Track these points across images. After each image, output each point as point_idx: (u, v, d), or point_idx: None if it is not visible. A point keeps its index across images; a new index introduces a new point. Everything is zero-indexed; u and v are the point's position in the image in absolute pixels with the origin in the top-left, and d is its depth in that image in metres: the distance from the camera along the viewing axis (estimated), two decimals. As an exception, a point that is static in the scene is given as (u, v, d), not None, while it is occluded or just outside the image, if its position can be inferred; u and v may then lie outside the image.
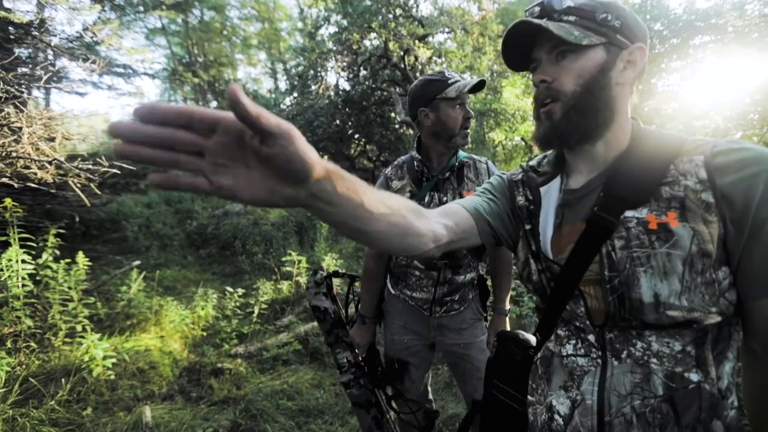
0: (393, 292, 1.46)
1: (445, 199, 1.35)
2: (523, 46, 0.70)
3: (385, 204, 0.55)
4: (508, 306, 1.47)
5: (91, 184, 3.07)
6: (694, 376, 0.59)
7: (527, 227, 0.76)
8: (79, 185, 3.04)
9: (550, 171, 0.77)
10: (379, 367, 1.47)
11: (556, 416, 0.68)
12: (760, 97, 4.58)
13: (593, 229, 0.64)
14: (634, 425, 0.61)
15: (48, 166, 2.86)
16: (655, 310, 0.59)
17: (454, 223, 0.71)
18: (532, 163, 0.82)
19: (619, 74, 0.65)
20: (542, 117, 0.68)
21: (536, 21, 0.64)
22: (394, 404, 1.47)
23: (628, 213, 0.62)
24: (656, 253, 0.59)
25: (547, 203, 0.74)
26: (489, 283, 1.48)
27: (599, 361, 0.65)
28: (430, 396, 1.66)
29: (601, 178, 0.68)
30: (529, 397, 0.76)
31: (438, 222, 0.68)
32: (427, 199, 1.35)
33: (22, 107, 2.80)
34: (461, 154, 1.40)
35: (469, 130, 1.33)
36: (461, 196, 1.30)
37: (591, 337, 0.66)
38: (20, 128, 2.69)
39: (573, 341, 0.69)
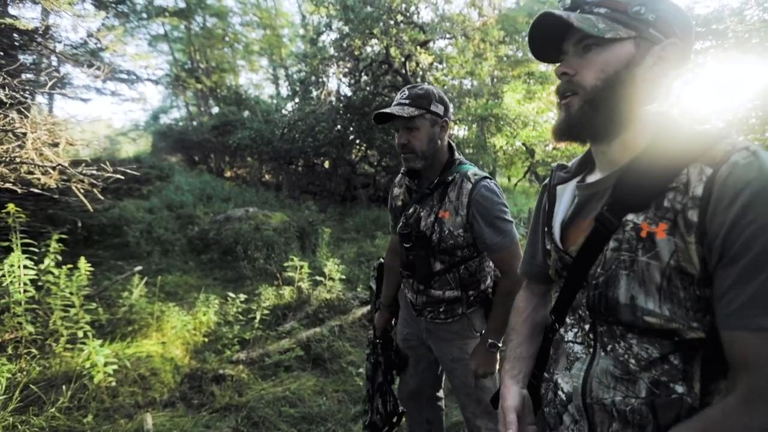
0: (402, 286, 1.54)
1: (422, 213, 1.32)
2: (554, 37, 0.69)
3: (534, 345, 0.86)
4: (496, 341, 1.27)
5: (94, 190, 3.07)
6: (680, 389, 0.60)
7: (546, 228, 0.81)
8: (82, 190, 3.04)
9: (574, 170, 0.80)
10: (391, 352, 1.63)
11: (560, 393, 0.73)
12: (760, 102, 4.59)
13: (599, 227, 0.66)
14: (615, 419, 0.64)
15: (52, 171, 2.86)
16: (632, 313, 0.61)
17: (542, 291, 0.95)
18: (568, 163, 0.85)
19: (647, 70, 0.63)
20: (561, 109, 0.69)
21: (559, 13, 0.62)
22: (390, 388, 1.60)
23: (629, 216, 0.63)
24: (639, 260, 0.60)
25: (560, 200, 0.78)
26: None
27: (591, 350, 0.69)
28: (440, 393, 1.69)
29: (615, 177, 0.68)
30: (544, 374, 0.81)
31: (543, 306, 0.93)
32: (410, 211, 1.37)
33: (26, 113, 2.81)
34: (462, 167, 1.31)
35: (407, 155, 1.28)
36: (437, 217, 1.28)
37: (587, 327, 0.70)
38: (24, 134, 2.70)
39: (575, 329, 0.73)
